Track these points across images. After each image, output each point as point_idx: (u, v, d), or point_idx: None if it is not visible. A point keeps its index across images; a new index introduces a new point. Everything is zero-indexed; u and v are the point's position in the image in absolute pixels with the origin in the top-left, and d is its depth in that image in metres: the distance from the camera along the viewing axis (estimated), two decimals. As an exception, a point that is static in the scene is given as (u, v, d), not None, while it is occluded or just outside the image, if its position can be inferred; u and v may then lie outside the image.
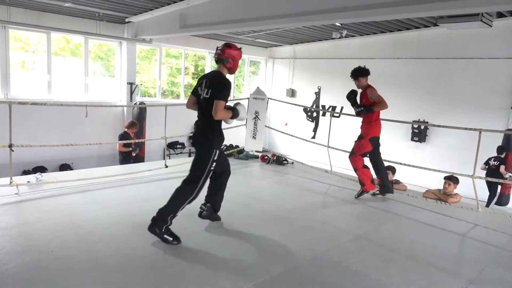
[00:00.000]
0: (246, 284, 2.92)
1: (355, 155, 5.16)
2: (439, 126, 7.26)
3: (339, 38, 10.57)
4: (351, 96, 5.18)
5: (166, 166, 6.14)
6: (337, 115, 12.49)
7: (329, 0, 5.64)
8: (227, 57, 3.53)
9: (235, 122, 3.76)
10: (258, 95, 6.23)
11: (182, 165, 6.21)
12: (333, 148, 6.37)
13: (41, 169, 8.78)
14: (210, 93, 3.43)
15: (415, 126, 9.98)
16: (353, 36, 10.90)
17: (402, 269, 3.38)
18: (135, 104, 10.03)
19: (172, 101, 11.90)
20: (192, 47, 11.77)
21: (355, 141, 5.25)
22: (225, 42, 3.76)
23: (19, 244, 3.38)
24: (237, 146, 7.72)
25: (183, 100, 12.12)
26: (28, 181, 4.74)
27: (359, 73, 5.03)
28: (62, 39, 9.53)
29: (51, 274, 2.93)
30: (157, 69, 11.44)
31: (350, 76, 5.08)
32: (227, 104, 3.53)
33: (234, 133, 10.07)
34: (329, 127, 6.55)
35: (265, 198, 5.22)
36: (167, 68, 11.85)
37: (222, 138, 3.62)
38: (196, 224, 3.94)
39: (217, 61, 3.60)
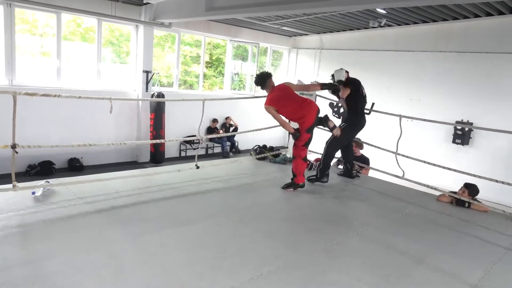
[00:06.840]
0: None
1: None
2: (485, 129, 5.78)
3: (376, 27, 9.60)
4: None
5: (197, 167, 4.98)
6: (367, 111, 11.60)
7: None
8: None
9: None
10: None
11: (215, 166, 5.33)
12: (401, 155, 4.98)
13: (48, 164, 8.00)
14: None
15: (459, 127, 9.05)
16: (389, 25, 9.92)
17: None
18: (152, 94, 9.22)
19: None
20: (213, 34, 10.85)
21: None
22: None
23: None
24: (271, 148, 6.50)
25: (201, 91, 11.25)
26: (33, 193, 3.64)
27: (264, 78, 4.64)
28: (73, 22, 8.66)
29: None
30: (170, 56, 10.57)
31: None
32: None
33: (269, 133, 9.07)
34: (400, 130, 5.00)
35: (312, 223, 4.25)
36: (180, 56, 10.94)
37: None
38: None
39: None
